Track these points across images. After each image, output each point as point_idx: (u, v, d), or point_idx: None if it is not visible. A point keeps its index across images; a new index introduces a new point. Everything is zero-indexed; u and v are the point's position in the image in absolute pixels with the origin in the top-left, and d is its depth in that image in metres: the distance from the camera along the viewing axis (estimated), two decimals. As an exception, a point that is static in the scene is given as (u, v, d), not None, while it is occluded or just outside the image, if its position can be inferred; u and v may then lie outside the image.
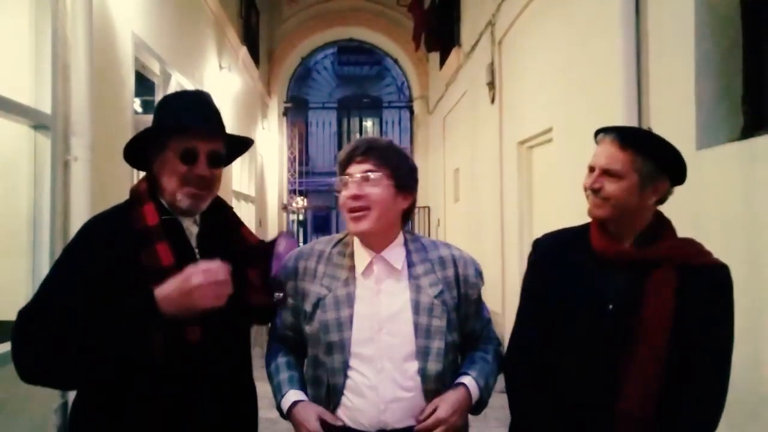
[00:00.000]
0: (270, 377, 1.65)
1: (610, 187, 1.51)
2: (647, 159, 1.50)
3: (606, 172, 1.52)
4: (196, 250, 1.53)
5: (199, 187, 1.50)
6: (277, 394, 1.60)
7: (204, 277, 1.33)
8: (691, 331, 1.45)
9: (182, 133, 1.49)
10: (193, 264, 1.37)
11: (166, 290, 1.34)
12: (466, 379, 1.58)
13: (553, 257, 1.64)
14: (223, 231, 1.61)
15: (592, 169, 1.56)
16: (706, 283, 1.48)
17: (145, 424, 1.43)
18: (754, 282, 2.07)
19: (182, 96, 1.62)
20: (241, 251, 1.59)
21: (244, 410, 1.61)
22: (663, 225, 1.58)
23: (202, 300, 1.34)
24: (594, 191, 1.54)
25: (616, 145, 1.51)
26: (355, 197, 1.52)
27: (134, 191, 1.56)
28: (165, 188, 1.51)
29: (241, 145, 1.67)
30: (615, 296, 1.51)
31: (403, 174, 1.57)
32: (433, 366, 1.52)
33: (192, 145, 1.49)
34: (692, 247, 1.55)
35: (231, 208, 1.71)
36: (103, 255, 1.42)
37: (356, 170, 1.55)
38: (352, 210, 1.53)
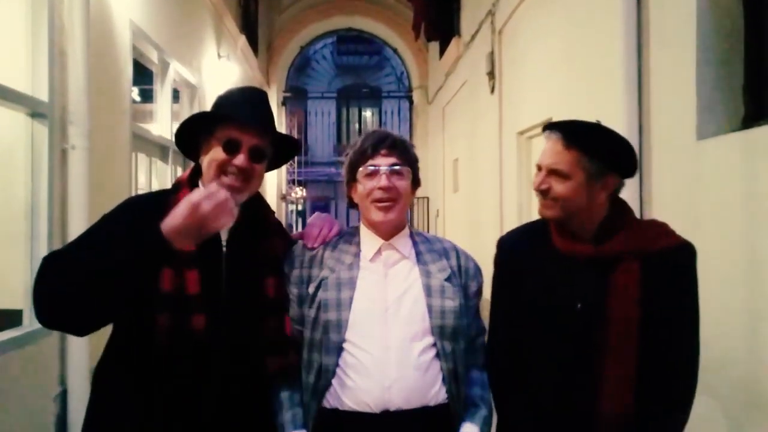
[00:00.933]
0: (273, 406, 1.61)
1: (558, 187, 1.48)
2: (593, 157, 1.46)
3: (553, 172, 1.49)
4: (224, 243, 1.54)
5: (237, 179, 1.51)
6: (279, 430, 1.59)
7: (212, 202, 1.32)
8: (657, 317, 1.45)
9: (229, 122, 1.51)
10: (194, 192, 1.37)
11: (172, 223, 1.32)
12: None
13: (519, 256, 1.62)
14: (257, 231, 1.61)
15: (539, 167, 1.53)
16: (668, 268, 1.46)
17: (149, 414, 1.42)
18: (754, 273, 2.07)
19: (239, 90, 1.64)
20: (268, 258, 1.60)
21: (254, 410, 1.57)
22: (621, 214, 1.54)
23: (214, 222, 1.33)
24: (542, 192, 1.52)
25: (561, 144, 1.48)
26: (387, 189, 1.57)
27: (178, 178, 1.60)
28: (204, 175, 1.54)
29: (289, 150, 1.70)
30: (582, 295, 1.49)
31: (416, 170, 1.66)
32: (449, 345, 1.55)
33: (236, 135, 1.51)
34: (652, 232, 1.52)
35: (272, 213, 1.71)
36: (131, 223, 1.43)
37: (384, 162, 1.59)
38: (380, 200, 1.58)
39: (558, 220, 1.53)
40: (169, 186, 1.62)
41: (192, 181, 1.57)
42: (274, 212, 1.73)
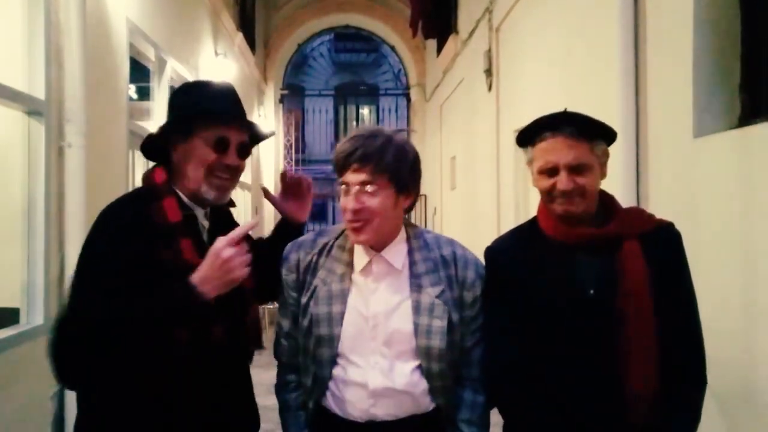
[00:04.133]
0: (282, 422, 1.65)
1: (582, 180, 1.49)
2: (595, 139, 1.52)
3: (575, 168, 1.48)
4: (208, 246, 1.51)
5: (226, 177, 1.49)
6: None
7: (233, 250, 1.36)
8: (664, 291, 1.48)
9: (214, 121, 1.47)
10: (226, 248, 1.37)
11: (201, 273, 1.35)
12: None
13: (511, 261, 1.59)
14: (228, 227, 1.58)
15: (553, 170, 1.50)
16: (664, 244, 1.53)
17: (165, 420, 1.41)
18: (750, 270, 2.08)
19: (207, 85, 1.59)
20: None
21: (248, 408, 1.61)
22: (611, 199, 1.61)
23: (236, 270, 1.36)
24: (569, 192, 1.49)
25: (572, 138, 1.48)
26: (355, 211, 1.46)
27: (150, 181, 1.50)
28: (189, 178, 1.48)
29: (256, 138, 1.68)
30: (592, 279, 1.50)
31: (403, 175, 1.49)
32: (436, 365, 1.50)
33: (225, 133, 1.47)
34: (643, 214, 1.60)
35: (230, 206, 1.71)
36: (123, 250, 1.38)
37: (353, 179, 1.46)
38: (351, 221, 1.48)
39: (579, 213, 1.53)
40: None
41: (168, 186, 1.49)
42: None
